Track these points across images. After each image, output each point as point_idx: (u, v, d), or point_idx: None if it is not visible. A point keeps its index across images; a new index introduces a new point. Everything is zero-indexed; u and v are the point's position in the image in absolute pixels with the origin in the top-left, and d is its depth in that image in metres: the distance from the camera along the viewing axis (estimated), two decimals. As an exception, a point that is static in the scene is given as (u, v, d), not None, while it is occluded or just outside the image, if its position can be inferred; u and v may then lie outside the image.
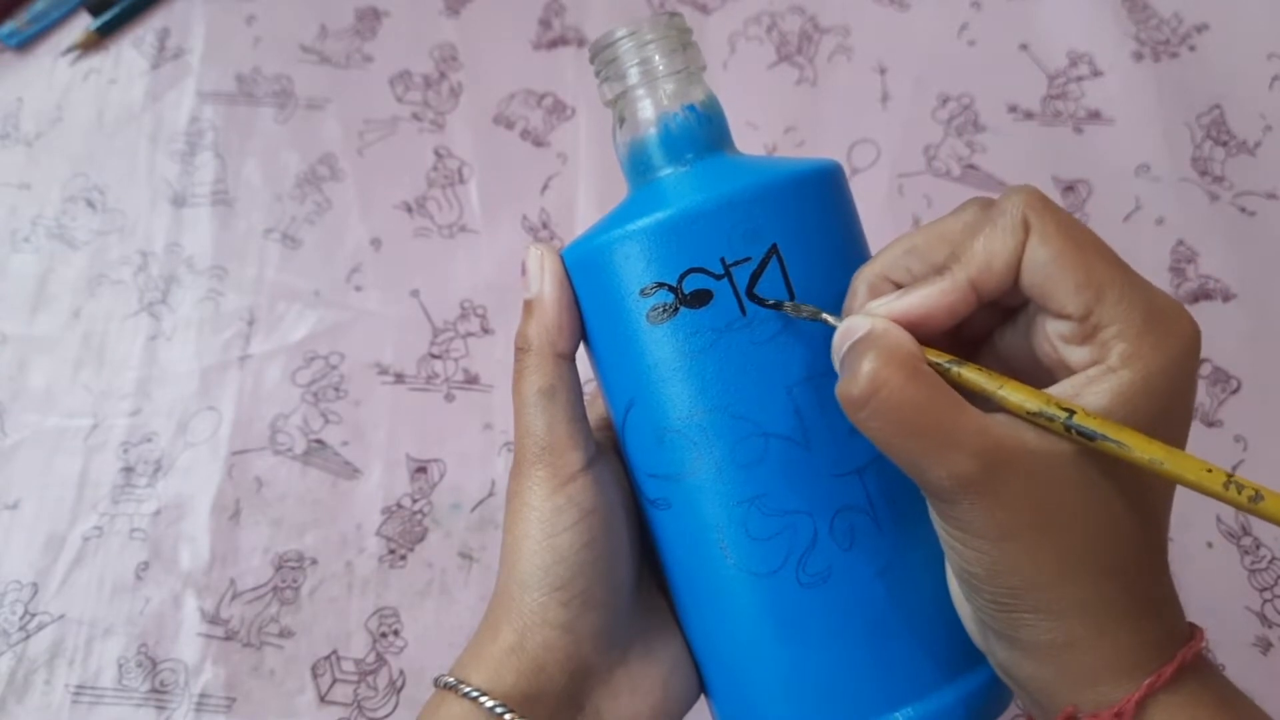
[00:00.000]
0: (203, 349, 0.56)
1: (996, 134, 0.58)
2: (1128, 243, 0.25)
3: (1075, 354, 0.24)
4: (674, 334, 0.28)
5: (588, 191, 0.59)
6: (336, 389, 0.54)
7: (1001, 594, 0.24)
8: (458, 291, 0.56)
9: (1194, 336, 0.24)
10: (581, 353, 0.31)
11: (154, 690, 0.47)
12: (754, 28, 0.63)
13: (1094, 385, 0.23)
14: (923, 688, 0.28)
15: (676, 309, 0.28)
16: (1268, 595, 0.46)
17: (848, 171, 0.48)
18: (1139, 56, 0.59)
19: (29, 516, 0.52)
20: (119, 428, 0.54)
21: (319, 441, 0.53)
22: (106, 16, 0.65)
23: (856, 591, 0.28)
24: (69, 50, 0.65)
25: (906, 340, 0.24)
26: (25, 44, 0.66)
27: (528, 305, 0.30)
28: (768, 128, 0.59)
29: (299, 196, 0.60)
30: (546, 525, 0.29)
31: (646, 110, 0.30)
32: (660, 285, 0.28)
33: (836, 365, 0.26)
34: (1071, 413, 0.23)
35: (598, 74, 0.31)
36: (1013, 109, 0.59)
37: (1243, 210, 0.55)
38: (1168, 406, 0.23)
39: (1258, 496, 0.21)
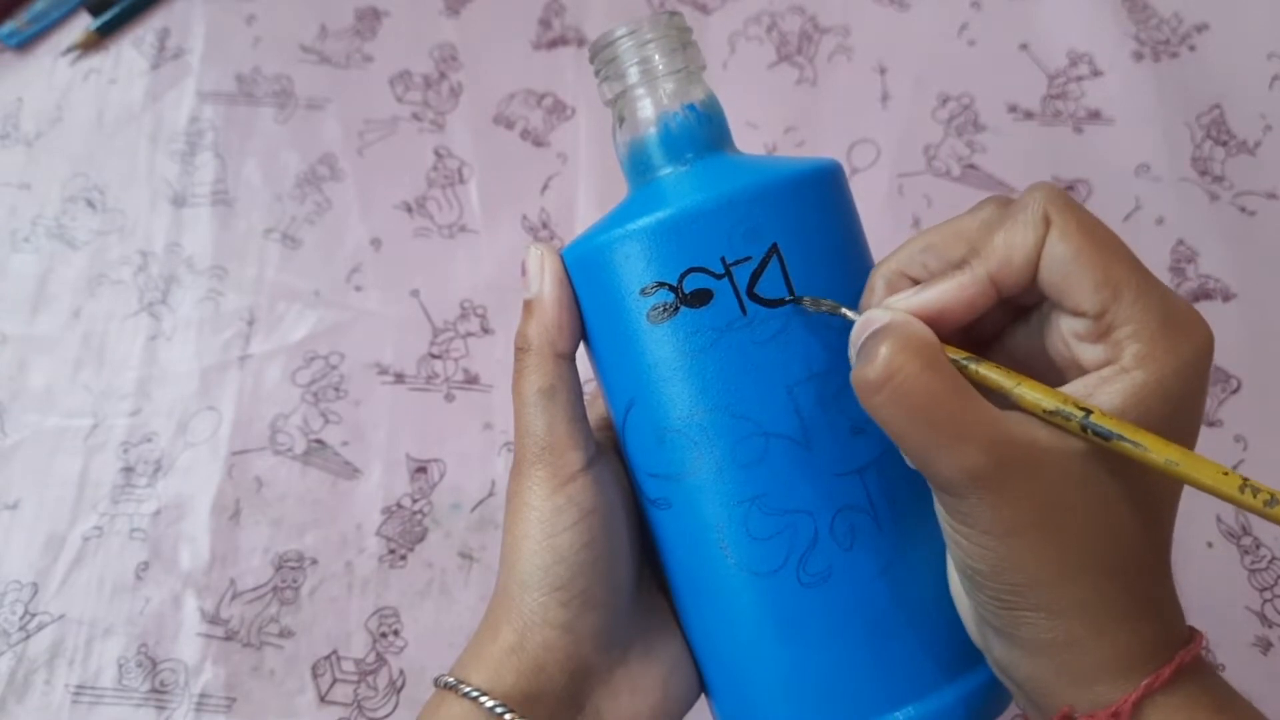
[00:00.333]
0: (203, 349, 0.56)
1: (996, 134, 0.58)
2: (1128, 243, 0.25)
3: (1089, 352, 0.24)
4: (674, 333, 0.28)
5: (588, 191, 0.59)
6: (336, 389, 0.54)
7: (1004, 590, 0.24)
8: (458, 291, 0.56)
9: (1208, 341, 0.24)
10: (581, 353, 0.31)
11: (154, 690, 0.47)
12: (754, 27, 0.63)
13: (1107, 385, 0.23)
14: (923, 687, 0.28)
15: (677, 308, 0.28)
16: (1268, 595, 0.46)
17: (848, 171, 0.48)
18: (1139, 56, 0.59)
19: (29, 516, 0.52)
20: (119, 428, 0.54)
21: (319, 441, 0.53)
22: (106, 16, 0.65)
23: (857, 591, 0.28)
24: (69, 50, 0.65)
25: (926, 332, 0.25)
26: (25, 44, 0.66)
27: (527, 305, 0.30)
28: (768, 127, 0.59)
29: (299, 196, 0.60)
30: (546, 525, 0.29)
31: (646, 110, 0.30)
32: (660, 285, 0.28)
33: (853, 356, 0.26)
34: (1089, 412, 0.23)
35: (597, 73, 0.31)
36: (1013, 109, 0.59)
37: (1243, 210, 0.55)
38: (1180, 409, 0.23)
39: (1273, 500, 0.21)
